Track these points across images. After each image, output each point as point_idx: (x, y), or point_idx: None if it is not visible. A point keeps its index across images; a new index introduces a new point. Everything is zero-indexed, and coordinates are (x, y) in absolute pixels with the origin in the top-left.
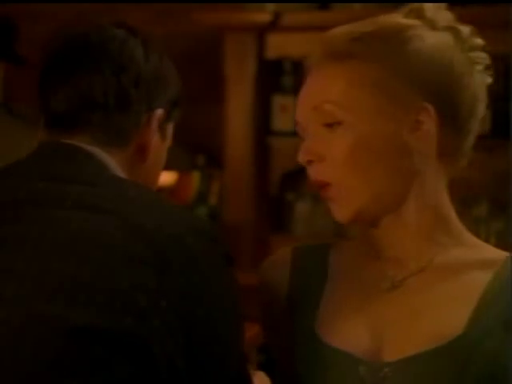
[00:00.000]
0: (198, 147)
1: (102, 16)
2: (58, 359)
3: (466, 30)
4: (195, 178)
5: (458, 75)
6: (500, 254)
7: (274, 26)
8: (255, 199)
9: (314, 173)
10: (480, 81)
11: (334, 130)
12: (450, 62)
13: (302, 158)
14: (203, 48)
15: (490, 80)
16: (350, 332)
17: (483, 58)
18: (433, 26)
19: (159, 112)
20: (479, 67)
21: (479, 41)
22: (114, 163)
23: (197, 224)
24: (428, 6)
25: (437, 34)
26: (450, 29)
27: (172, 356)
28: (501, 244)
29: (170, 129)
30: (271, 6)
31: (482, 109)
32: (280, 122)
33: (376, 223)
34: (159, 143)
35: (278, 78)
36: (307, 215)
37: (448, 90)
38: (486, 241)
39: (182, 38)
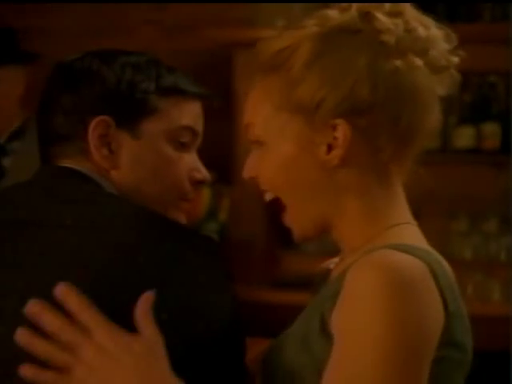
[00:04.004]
0: (208, 163)
1: (113, 33)
2: None
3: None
4: (205, 194)
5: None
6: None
7: None
8: (265, 215)
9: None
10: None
11: (260, 149)
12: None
13: (244, 175)
14: (212, 64)
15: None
16: None
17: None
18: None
19: (98, 119)
20: (418, 62)
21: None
22: (105, 181)
23: (196, 239)
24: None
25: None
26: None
27: (171, 368)
28: (511, 259)
29: (146, 124)
30: (280, 22)
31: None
32: None
33: (327, 231)
34: (131, 144)
35: None
36: None
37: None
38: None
39: (191, 54)
